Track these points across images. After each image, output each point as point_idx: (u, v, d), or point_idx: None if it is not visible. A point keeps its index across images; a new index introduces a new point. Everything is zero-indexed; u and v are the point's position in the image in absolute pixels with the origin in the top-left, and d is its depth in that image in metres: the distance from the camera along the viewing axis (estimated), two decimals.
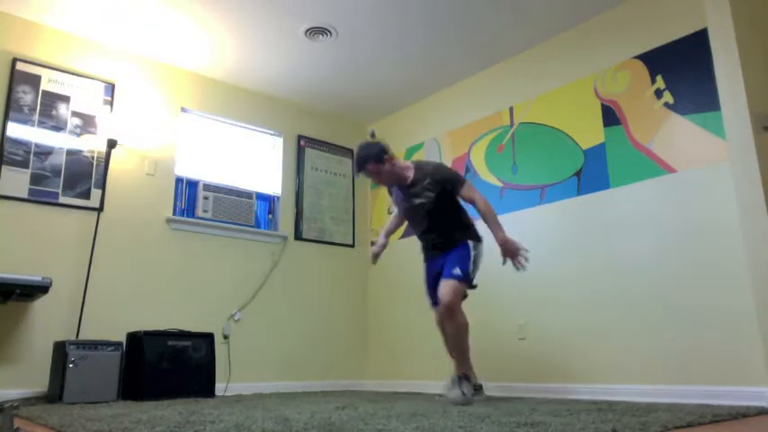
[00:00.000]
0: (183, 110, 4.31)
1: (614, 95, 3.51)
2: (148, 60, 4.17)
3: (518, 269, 2.96)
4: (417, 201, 3.05)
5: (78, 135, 3.76)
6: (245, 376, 4.12)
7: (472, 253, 3.00)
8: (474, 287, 3.06)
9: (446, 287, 2.87)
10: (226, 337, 4.12)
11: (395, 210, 3.38)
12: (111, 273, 3.72)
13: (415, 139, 4.84)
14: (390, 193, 3.31)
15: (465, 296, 3.04)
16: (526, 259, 2.96)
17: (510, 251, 2.95)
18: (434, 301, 3.10)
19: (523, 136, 3.98)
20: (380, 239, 3.31)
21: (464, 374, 2.92)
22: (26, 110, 3.59)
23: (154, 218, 3.99)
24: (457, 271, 2.89)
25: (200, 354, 3.56)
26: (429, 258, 3.20)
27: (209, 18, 3.71)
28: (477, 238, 3.08)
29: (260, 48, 4.06)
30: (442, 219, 3.07)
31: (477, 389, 3.06)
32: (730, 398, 2.68)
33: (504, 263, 2.99)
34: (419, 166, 3.11)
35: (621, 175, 3.38)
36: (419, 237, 3.23)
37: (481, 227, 3.13)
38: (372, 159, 3.01)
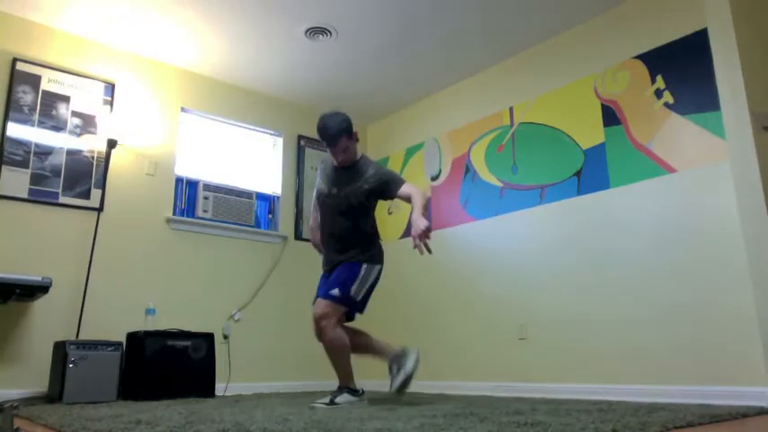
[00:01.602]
0: (183, 110, 4.31)
1: (614, 95, 3.51)
2: (148, 60, 4.17)
3: (419, 251, 2.60)
4: (347, 188, 2.86)
5: (78, 135, 3.76)
6: (245, 376, 4.12)
7: (362, 274, 2.80)
8: (360, 311, 2.89)
9: (318, 305, 2.76)
10: (226, 337, 4.12)
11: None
12: (111, 273, 3.72)
13: (415, 139, 4.84)
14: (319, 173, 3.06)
15: (350, 318, 2.92)
16: (427, 247, 2.57)
17: (414, 230, 2.60)
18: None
19: (523, 136, 3.98)
20: (316, 239, 3.09)
21: (347, 387, 2.80)
22: (26, 110, 3.59)
23: (154, 218, 3.99)
24: (335, 292, 2.75)
25: (200, 354, 3.56)
26: (323, 274, 3.01)
27: (209, 18, 3.70)
28: (375, 262, 2.86)
29: (260, 48, 4.06)
30: (356, 220, 2.87)
31: (359, 394, 2.85)
32: (730, 398, 2.68)
33: (414, 245, 2.62)
34: (366, 156, 2.98)
35: (621, 175, 3.38)
36: (323, 238, 2.99)
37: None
38: (346, 133, 2.82)
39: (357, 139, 2.91)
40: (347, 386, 2.80)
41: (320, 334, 2.76)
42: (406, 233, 4.54)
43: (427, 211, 2.77)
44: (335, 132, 2.80)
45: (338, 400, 2.71)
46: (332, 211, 2.91)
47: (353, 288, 2.78)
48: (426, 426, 1.79)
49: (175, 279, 3.99)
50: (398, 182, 2.86)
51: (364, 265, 2.83)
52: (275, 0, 3.53)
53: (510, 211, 3.95)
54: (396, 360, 2.81)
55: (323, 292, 2.81)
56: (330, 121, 2.81)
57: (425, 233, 2.58)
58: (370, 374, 4.74)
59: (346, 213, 2.87)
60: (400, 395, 2.80)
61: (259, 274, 4.39)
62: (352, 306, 2.83)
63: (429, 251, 2.57)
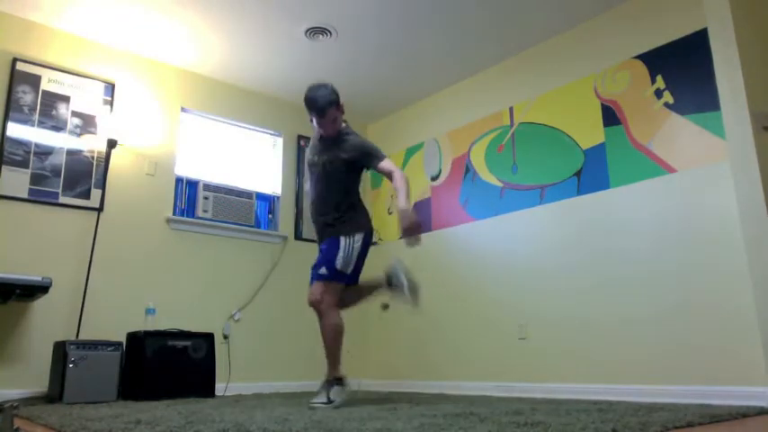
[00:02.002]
0: (182, 110, 4.31)
1: (614, 95, 3.51)
2: (148, 60, 4.16)
3: (407, 244, 2.67)
4: (326, 156, 2.88)
5: (78, 135, 3.76)
6: (245, 376, 4.12)
7: (343, 246, 2.78)
8: (354, 282, 2.90)
9: (312, 290, 2.78)
10: (226, 337, 4.12)
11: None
12: (111, 272, 3.72)
13: (415, 139, 4.84)
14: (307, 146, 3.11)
15: (342, 289, 2.85)
16: (417, 239, 2.66)
17: (404, 223, 2.64)
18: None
19: (523, 136, 3.98)
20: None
21: (335, 378, 2.77)
22: (26, 110, 3.59)
23: (154, 218, 3.99)
24: (323, 270, 2.77)
25: (200, 354, 3.56)
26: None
27: (209, 18, 3.70)
28: (354, 231, 2.83)
29: (260, 48, 4.06)
30: (333, 189, 2.87)
31: (344, 383, 2.83)
32: (730, 398, 2.68)
33: (400, 236, 2.69)
34: (349, 127, 2.99)
35: (621, 175, 3.38)
36: (311, 206, 3.01)
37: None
38: (334, 104, 2.82)
39: (343, 111, 2.92)
40: (335, 377, 2.80)
41: (319, 316, 2.77)
42: None
43: (409, 197, 2.79)
44: (325, 104, 2.80)
45: (333, 395, 2.71)
46: (314, 180, 2.96)
47: (339, 263, 2.78)
48: (426, 426, 1.79)
49: (175, 279, 3.99)
50: (378, 155, 2.88)
51: (342, 239, 2.81)
52: (275, 0, 3.53)
53: (510, 211, 3.95)
54: (391, 282, 2.91)
55: (313, 274, 2.82)
56: (319, 93, 2.81)
57: (417, 228, 2.65)
58: (370, 375, 4.74)
59: (324, 180, 2.90)
60: (417, 295, 2.88)
61: (259, 274, 4.39)
62: (345, 279, 2.84)
63: (418, 243, 2.66)
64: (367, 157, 2.88)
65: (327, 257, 2.80)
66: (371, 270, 3.15)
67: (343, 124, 2.98)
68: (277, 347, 4.36)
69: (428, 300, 4.39)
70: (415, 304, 2.91)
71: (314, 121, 2.90)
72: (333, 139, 2.92)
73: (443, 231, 4.37)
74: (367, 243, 2.90)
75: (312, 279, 2.84)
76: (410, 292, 2.85)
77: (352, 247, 2.83)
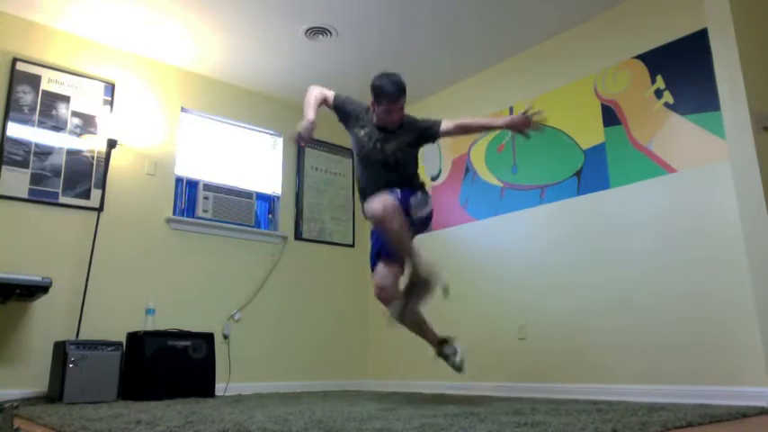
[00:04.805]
0: (182, 110, 4.31)
1: (614, 95, 3.51)
2: (148, 60, 4.16)
3: (539, 129, 2.86)
4: (393, 145, 2.84)
5: (78, 135, 3.76)
6: (245, 376, 4.12)
7: (420, 199, 2.80)
8: (417, 231, 2.81)
9: (381, 196, 2.57)
10: (226, 337, 4.12)
11: (323, 94, 3.04)
12: (111, 272, 3.72)
13: None
14: (350, 124, 3.01)
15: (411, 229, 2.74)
16: (539, 114, 2.82)
17: (522, 123, 2.82)
18: (374, 262, 2.90)
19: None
20: (311, 115, 2.83)
21: (444, 339, 2.90)
22: (26, 110, 3.59)
23: (154, 218, 3.99)
24: (397, 193, 2.64)
25: (199, 354, 3.56)
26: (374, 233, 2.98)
27: (209, 18, 3.70)
28: (426, 193, 2.92)
29: (260, 48, 4.06)
30: (404, 174, 2.87)
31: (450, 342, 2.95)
32: (730, 398, 2.68)
33: (525, 136, 2.88)
34: (405, 114, 2.94)
35: (621, 175, 3.38)
36: (366, 186, 2.91)
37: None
38: (405, 92, 2.82)
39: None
40: (438, 341, 2.90)
41: (385, 223, 2.53)
42: None
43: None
44: (400, 90, 2.79)
45: (447, 350, 2.84)
46: (375, 164, 2.87)
47: (413, 204, 2.73)
48: (426, 426, 1.79)
49: (175, 279, 3.99)
50: (436, 123, 2.91)
51: (419, 193, 2.83)
52: (275, 0, 3.53)
53: (510, 211, 3.95)
54: (446, 345, 2.93)
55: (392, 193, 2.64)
56: (392, 79, 2.81)
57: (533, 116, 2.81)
58: (370, 375, 4.75)
59: (396, 169, 2.85)
60: (461, 371, 2.90)
61: (259, 274, 4.39)
62: (410, 223, 2.68)
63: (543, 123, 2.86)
64: (430, 131, 2.89)
65: (405, 194, 2.71)
66: None
67: None
68: (277, 347, 4.36)
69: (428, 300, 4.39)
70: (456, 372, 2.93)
71: (378, 109, 2.83)
72: (395, 128, 2.89)
73: (443, 231, 4.37)
74: (430, 218, 2.89)
75: (376, 263, 2.82)
76: (458, 365, 2.87)
77: (426, 204, 2.83)
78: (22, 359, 3.34)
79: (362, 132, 2.94)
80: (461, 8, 3.61)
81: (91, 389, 3.11)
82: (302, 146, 2.82)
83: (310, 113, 2.84)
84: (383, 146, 2.86)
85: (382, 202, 2.53)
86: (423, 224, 2.87)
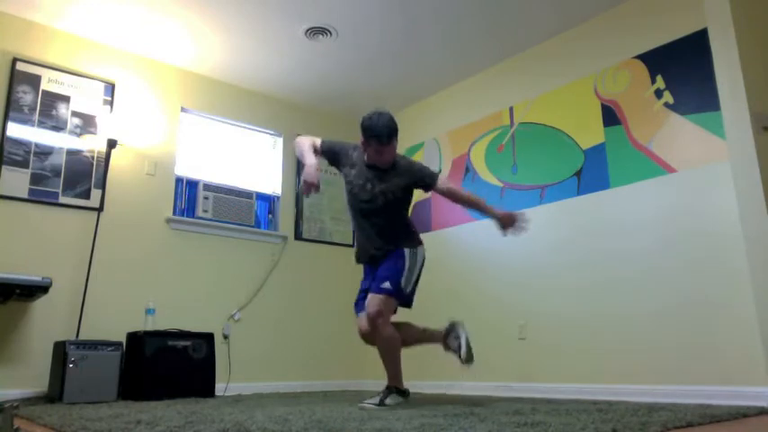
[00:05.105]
0: (182, 110, 4.31)
1: (614, 95, 3.51)
2: (148, 60, 4.16)
3: (520, 232, 2.86)
4: (383, 186, 2.78)
5: (78, 135, 3.76)
6: (245, 376, 4.12)
7: (407, 262, 2.76)
8: (408, 305, 2.81)
9: (373, 300, 2.66)
10: (226, 337, 4.12)
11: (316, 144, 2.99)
12: (111, 273, 3.72)
13: (415, 139, 4.84)
14: (340, 165, 2.99)
15: (394, 311, 2.80)
16: (527, 222, 2.85)
17: (512, 222, 2.81)
18: (359, 309, 2.88)
19: (523, 136, 3.98)
20: (311, 160, 2.82)
21: (394, 387, 2.76)
22: (26, 110, 3.59)
23: (154, 218, 3.99)
24: (386, 285, 2.67)
25: (199, 354, 3.56)
26: (365, 269, 2.97)
27: (209, 18, 3.70)
28: (416, 244, 2.84)
29: (260, 48, 4.06)
30: (394, 217, 2.84)
31: (406, 395, 2.86)
32: (730, 398, 2.68)
33: (505, 234, 2.86)
34: (398, 154, 2.91)
35: (621, 175, 3.38)
36: (357, 235, 2.96)
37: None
38: (397, 133, 2.77)
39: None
40: (396, 387, 2.77)
41: (374, 332, 2.68)
42: None
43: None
44: (390, 132, 2.73)
45: (388, 401, 2.67)
46: (366, 207, 2.83)
47: (403, 280, 2.72)
48: (426, 426, 1.79)
49: (175, 279, 3.99)
50: (434, 176, 2.86)
51: (406, 251, 2.77)
52: (275, 0, 3.53)
53: (510, 211, 3.94)
54: (450, 337, 2.86)
55: (375, 287, 2.72)
56: (383, 121, 2.74)
57: (521, 220, 2.82)
58: (370, 375, 4.74)
59: (384, 211, 2.82)
60: (471, 363, 2.84)
61: (259, 274, 4.39)
62: (403, 298, 2.75)
63: (524, 229, 2.84)
64: (424, 180, 2.83)
65: (392, 272, 2.71)
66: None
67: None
68: (277, 347, 4.36)
69: (428, 299, 4.39)
70: (466, 366, 2.85)
71: (367, 148, 2.79)
72: (386, 167, 2.84)
73: (443, 231, 4.37)
74: (423, 265, 2.85)
75: (372, 292, 2.71)
76: (465, 358, 2.80)
77: (415, 261, 2.79)
78: (22, 359, 3.34)
79: (353, 172, 2.88)
80: (461, 8, 3.61)
81: (91, 389, 3.11)
82: (315, 192, 2.79)
83: (310, 158, 2.83)
84: (373, 185, 2.81)
85: (368, 322, 2.67)
86: (420, 274, 2.84)
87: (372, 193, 2.80)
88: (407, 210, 2.94)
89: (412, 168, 2.85)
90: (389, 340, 2.71)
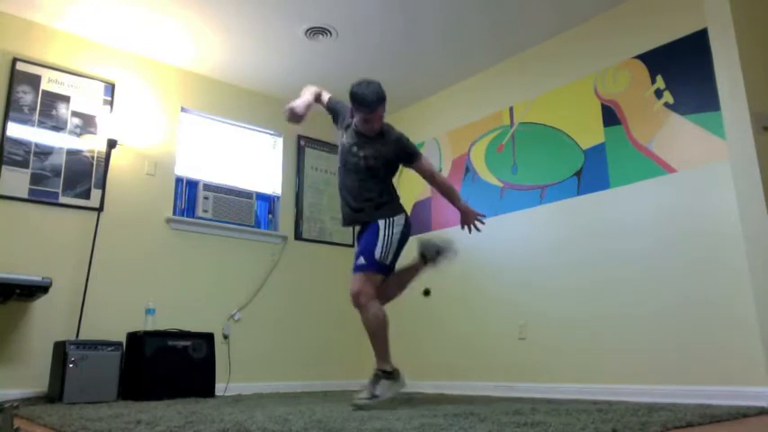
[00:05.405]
0: (182, 110, 4.31)
1: (614, 95, 3.51)
2: (148, 60, 4.16)
3: (475, 231, 3.03)
4: (368, 151, 2.82)
5: (78, 135, 3.76)
6: (245, 376, 4.12)
7: (381, 233, 2.74)
8: (388, 272, 2.79)
9: (352, 282, 2.70)
10: (226, 336, 4.12)
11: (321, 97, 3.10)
12: (111, 273, 3.72)
13: (415, 139, 4.81)
14: (340, 125, 3.05)
15: (380, 282, 2.77)
16: (482, 222, 3.02)
17: (467, 218, 3.00)
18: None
19: (523, 136, 3.98)
20: (306, 97, 2.94)
21: (382, 371, 2.71)
22: (26, 110, 3.59)
23: (154, 218, 3.99)
24: (361, 261, 2.71)
25: (199, 354, 3.56)
26: (357, 235, 3.00)
27: (209, 18, 3.70)
28: (392, 214, 2.82)
29: (260, 48, 4.06)
30: (371, 182, 2.84)
31: (395, 376, 2.80)
32: (730, 398, 2.68)
33: (462, 227, 3.04)
34: (389, 125, 2.95)
35: (621, 175, 3.38)
36: (341, 199, 2.97)
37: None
38: (384, 101, 2.79)
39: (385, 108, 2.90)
40: (383, 369, 2.73)
41: (359, 310, 2.71)
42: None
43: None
44: (376, 100, 2.76)
45: (378, 392, 2.64)
46: (350, 171, 2.88)
47: (378, 252, 2.72)
48: (426, 426, 1.79)
49: (175, 279, 3.99)
50: (415, 151, 2.92)
51: (381, 223, 2.77)
52: (275, 0, 3.53)
53: (510, 211, 3.95)
54: (426, 256, 3.00)
55: (354, 266, 2.77)
56: (370, 89, 2.77)
57: (478, 219, 3.00)
58: (370, 375, 4.74)
59: (364, 173, 2.84)
60: (452, 251, 3.04)
61: (259, 274, 4.39)
62: (384, 270, 2.76)
63: (478, 230, 3.01)
64: (408, 156, 2.89)
65: (366, 246, 2.74)
66: None
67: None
68: (277, 347, 4.36)
69: (428, 299, 4.39)
70: (454, 253, 3.05)
71: (356, 117, 2.83)
72: (375, 135, 2.88)
73: (443, 231, 4.36)
74: (407, 231, 2.86)
75: (353, 271, 2.77)
76: (447, 250, 2.95)
77: (392, 232, 2.78)
78: (22, 359, 3.34)
79: (345, 136, 2.96)
80: (461, 8, 3.60)
81: (91, 389, 3.11)
82: (295, 123, 2.88)
83: (307, 96, 2.97)
84: (359, 148, 2.86)
85: (350, 290, 2.72)
86: (402, 243, 2.85)
87: (357, 155, 2.86)
88: (390, 179, 2.95)
89: (399, 141, 2.89)
90: (373, 319, 2.70)
